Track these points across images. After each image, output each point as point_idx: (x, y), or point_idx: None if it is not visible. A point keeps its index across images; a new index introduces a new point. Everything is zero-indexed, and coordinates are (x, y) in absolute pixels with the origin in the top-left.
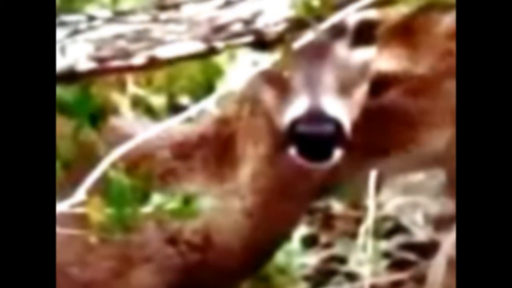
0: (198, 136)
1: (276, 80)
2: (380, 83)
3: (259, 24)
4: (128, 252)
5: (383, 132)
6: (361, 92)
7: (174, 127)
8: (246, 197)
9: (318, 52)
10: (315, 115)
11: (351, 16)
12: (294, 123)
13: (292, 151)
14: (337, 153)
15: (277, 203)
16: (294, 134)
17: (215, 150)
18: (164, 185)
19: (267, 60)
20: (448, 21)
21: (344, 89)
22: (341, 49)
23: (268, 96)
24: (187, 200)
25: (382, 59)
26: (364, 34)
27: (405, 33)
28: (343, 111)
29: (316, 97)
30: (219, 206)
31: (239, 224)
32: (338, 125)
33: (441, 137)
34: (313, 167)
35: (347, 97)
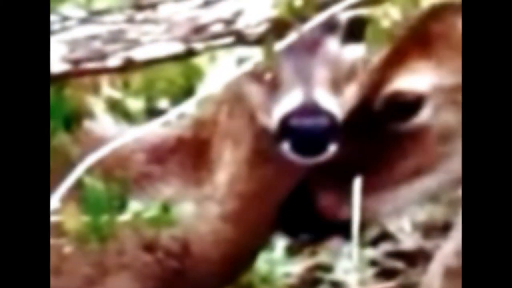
0: (175, 139)
1: (263, 75)
2: (411, 104)
3: (240, 24)
4: (104, 259)
5: (419, 152)
6: (350, 91)
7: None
8: (225, 202)
9: (309, 47)
10: (310, 109)
11: (342, 12)
12: (287, 117)
13: (285, 146)
14: (332, 148)
15: (256, 208)
16: (287, 129)
17: (192, 153)
18: (140, 190)
19: (250, 59)
20: (460, 21)
21: (335, 85)
22: (333, 45)
23: (254, 92)
24: (166, 208)
25: (406, 78)
26: (355, 31)
27: (423, 44)
28: (336, 105)
29: (309, 91)
30: (197, 211)
31: (217, 230)
32: (332, 119)
33: None
34: (307, 162)
35: (338, 94)
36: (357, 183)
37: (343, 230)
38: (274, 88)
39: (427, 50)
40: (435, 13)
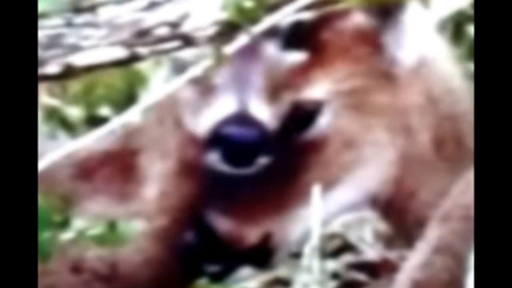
0: (102, 152)
1: (200, 79)
2: (310, 113)
3: (187, 27)
4: None
5: (321, 164)
6: (288, 99)
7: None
8: (153, 218)
9: (247, 52)
10: (242, 118)
11: (291, 15)
12: (219, 125)
13: (214, 156)
14: (263, 160)
15: (187, 224)
16: (218, 137)
17: (120, 166)
18: (66, 207)
19: (197, 63)
20: (346, 25)
21: (272, 93)
22: (272, 50)
23: (185, 95)
24: (112, 225)
25: (304, 86)
26: (297, 36)
27: (315, 52)
28: (271, 116)
29: (244, 99)
30: None
31: (145, 249)
32: (265, 131)
33: (386, 156)
34: (236, 173)
35: (275, 103)
36: (317, 191)
37: (253, 258)
38: (206, 92)
39: (319, 57)
40: (324, 21)
